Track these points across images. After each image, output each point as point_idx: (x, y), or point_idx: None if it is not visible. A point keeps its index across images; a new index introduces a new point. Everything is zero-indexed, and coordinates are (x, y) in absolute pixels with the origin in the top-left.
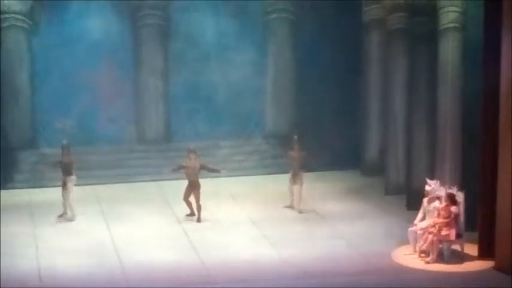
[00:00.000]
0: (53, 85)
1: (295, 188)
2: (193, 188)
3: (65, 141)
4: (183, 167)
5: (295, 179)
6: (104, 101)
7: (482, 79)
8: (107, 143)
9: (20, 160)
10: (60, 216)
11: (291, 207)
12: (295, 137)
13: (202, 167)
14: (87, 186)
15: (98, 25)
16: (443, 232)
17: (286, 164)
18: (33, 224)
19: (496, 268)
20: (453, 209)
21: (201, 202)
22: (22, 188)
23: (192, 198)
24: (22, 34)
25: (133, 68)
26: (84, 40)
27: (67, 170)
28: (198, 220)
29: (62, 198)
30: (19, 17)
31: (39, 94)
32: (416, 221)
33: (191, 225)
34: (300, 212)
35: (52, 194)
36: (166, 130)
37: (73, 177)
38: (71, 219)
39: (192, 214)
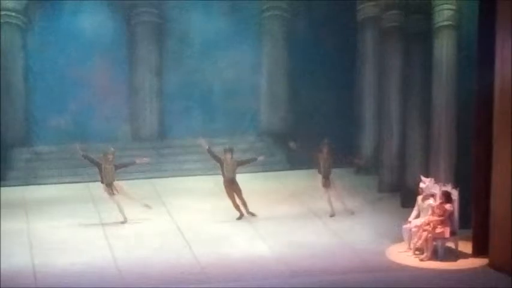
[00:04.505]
0: (47, 82)
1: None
2: (233, 186)
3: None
4: (220, 162)
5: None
6: (98, 99)
7: (476, 77)
8: (101, 141)
9: (13, 157)
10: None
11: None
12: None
13: (240, 164)
14: (80, 184)
15: (92, 23)
16: (438, 230)
17: (280, 162)
18: (27, 221)
19: (490, 266)
20: (447, 206)
21: (243, 196)
22: (16, 185)
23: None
24: (16, 32)
25: (128, 66)
26: (79, 38)
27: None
28: (250, 213)
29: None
30: (13, 14)
31: (33, 91)
32: (410, 218)
33: (185, 223)
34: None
35: (46, 191)
36: (160, 127)
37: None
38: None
39: (241, 216)
